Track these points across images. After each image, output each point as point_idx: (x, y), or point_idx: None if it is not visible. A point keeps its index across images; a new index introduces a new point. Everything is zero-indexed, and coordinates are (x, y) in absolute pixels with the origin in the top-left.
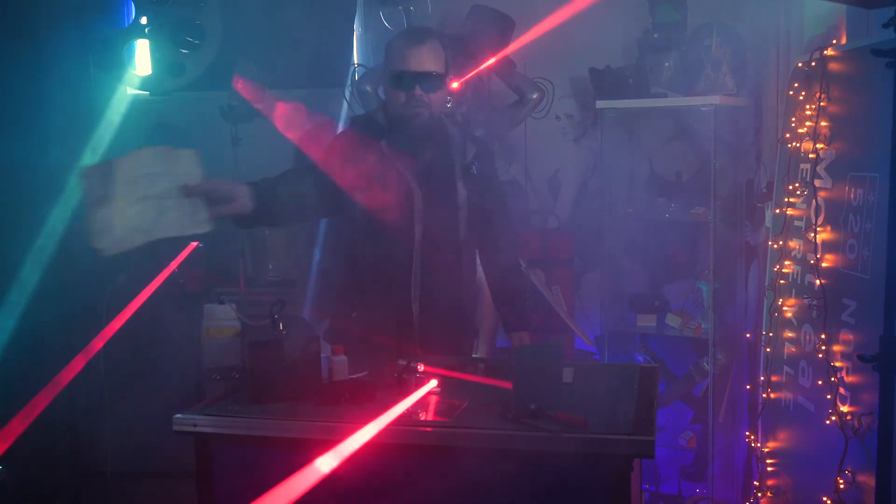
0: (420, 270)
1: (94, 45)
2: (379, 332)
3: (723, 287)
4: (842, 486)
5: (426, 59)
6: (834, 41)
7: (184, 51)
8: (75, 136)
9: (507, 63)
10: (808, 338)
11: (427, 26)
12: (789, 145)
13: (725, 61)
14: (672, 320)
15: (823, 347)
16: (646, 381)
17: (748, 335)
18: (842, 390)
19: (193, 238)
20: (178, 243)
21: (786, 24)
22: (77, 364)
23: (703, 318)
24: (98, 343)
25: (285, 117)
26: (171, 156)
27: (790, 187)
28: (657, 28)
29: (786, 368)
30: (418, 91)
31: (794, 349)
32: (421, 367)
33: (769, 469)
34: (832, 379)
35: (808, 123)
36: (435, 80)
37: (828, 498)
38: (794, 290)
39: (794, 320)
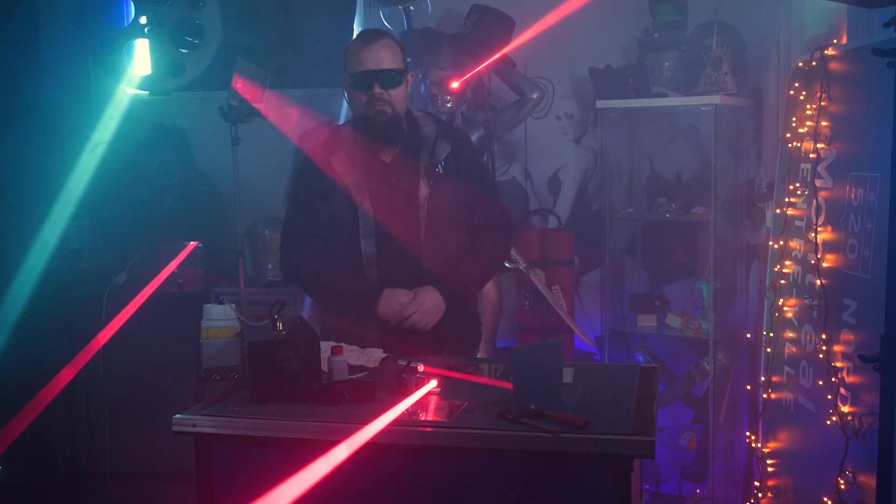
0: (375, 282)
1: (93, 45)
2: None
3: (723, 287)
4: (842, 487)
5: (382, 57)
6: (834, 41)
7: (183, 50)
8: (75, 136)
9: (507, 63)
10: (808, 338)
11: (379, 28)
12: (790, 145)
13: (725, 61)
14: (672, 320)
15: (824, 347)
16: (646, 382)
17: (749, 335)
18: (842, 390)
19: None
20: (178, 244)
21: (786, 23)
22: (77, 364)
23: (704, 318)
24: (98, 343)
25: (285, 117)
26: None
27: (791, 187)
28: (657, 28)
29: (786, 368)
30: (377, 89)
31: (794, 349)
32: (421, 368)
33: (770, 469)
34: (833, 379)
35: (808, 123)
36: (392, 76)
37: (828, 498)
38: (794, 290)
39: (794, 320)
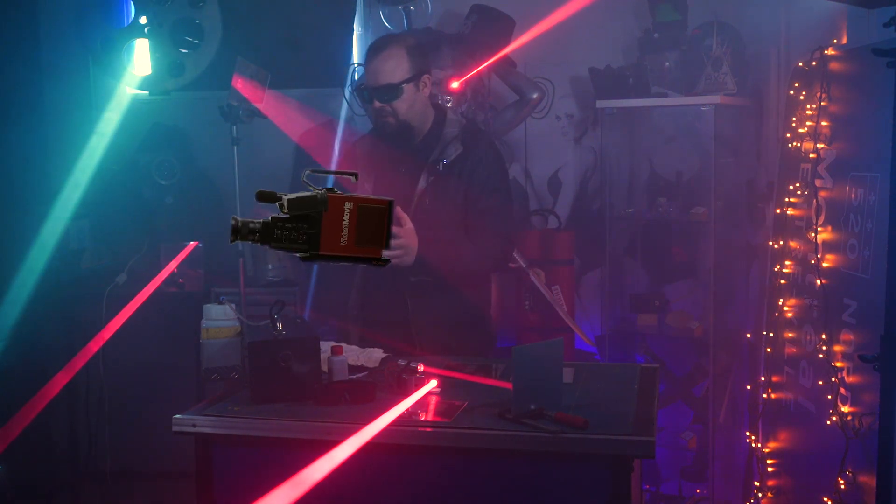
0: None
1: (93, 45)
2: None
3: (723, 287)
4: (842, 487)
5: (380, 72)
6: (834, 41)
7: (183, 50)
8: (75, 136)
9: (507, 63)
10: (808, 338)
11: (391, 33)
12: (790, 145)
13: (725, 61)
14: (672, 320)
15: (824, 347)
16: (646, 381)
17: (748, 335)
18: (842, 390)
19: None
20: (178, 244)
21: (786, 23)
22: (77, 364)
23: (703, 318)
24: (98, 343)
25: (285, 117)
26: None
27: (791, 187)
28: (657, 28)
29: (786, 368)
30: (376, 104)
31: (794, 349)
32: (421, 368)
33: (770, 469)
34: (833, 379)
35: (808, 123)
36: (390, 91)
37: (828, 498)
38: (794, 290)
39: (794, 320)
